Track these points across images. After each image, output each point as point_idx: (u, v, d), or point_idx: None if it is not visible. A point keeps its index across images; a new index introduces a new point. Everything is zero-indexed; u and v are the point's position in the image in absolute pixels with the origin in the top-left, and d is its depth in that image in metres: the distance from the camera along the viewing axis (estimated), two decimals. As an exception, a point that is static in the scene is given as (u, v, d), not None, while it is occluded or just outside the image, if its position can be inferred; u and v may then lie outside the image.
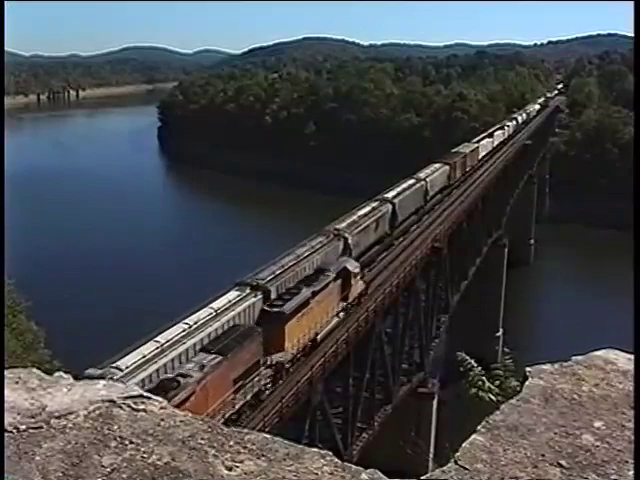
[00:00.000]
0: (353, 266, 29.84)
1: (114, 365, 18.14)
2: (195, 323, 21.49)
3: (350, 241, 32.64)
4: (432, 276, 40.19)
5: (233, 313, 23.32)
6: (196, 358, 19.87)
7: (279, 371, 23.51)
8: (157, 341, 19.93)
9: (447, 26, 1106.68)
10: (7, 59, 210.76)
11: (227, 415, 20.04)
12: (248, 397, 21.56)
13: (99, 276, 64.34)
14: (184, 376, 18.51)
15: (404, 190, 42.78)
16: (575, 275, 75.44)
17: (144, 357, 19.06)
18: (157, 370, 19.09)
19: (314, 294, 25.62)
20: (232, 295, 24.00)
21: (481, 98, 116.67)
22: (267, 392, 22.75)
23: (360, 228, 34.57)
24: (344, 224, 34.00)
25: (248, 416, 21.50)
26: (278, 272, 26.40)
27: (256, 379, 21.99)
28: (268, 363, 22.84)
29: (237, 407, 20.90)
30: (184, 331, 20.87)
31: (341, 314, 28.52)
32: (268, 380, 22.82)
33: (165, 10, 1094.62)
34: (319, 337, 26.45)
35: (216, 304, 22.98)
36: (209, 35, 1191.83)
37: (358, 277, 30.10)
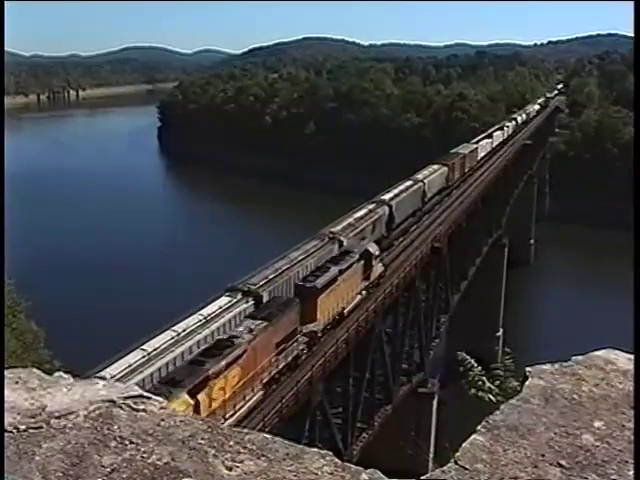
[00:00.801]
0: (374, 249, 32.35)
1: (98, 375, 16.95)
2: (184, 330, 20.94)
3: (345, 244, 32.06)
4: (432, 276, 40.18)
5: (223, 320, 22.72)
6: (245, 323, 22.27)
7: (313, 339, 25.85)
8: (144, 349, 19.44)
9: (447, 26, 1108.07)
10: (7, 59, 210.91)
11: (272, 373, 22.88)
12: (289, 359, 24.06)
13: (99, 276, 64.35)
14: (236, 337, 20.83)
15: (401, 192, 42.26)
16: (575, 275, 75.43)
17: (130, 366, 18.62)
18: (143, 380, 18.18)
19: (341, 272, 27.84)
20: (223, 301, 23.42)
21: (481, 98, 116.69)
22: (303, 357, 25.19)
23: (356, 231, 33.98)
24: (339, 227, 33.46)
25: (288, 377, 24.02)
26: (271, 277, 25.94)
27: (294, 344, 24.34)
28: (304, 331, 25.26)
29: (280, 367, 23.38)
30: (172, 339, 20.35)
31: (363, 292, 30.73)
32: (304, 346, 25.24)
33: (165, 10, 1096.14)
34: (346, 311, 28.82)
35: (206, 310, 22.44)
36: (209, 35, 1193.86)
37: (378, 259, 32.59)
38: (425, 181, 46.01)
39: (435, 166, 50.83)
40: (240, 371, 20.37)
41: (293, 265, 27.77)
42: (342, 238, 32.18)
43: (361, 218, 36.04)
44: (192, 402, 17.76)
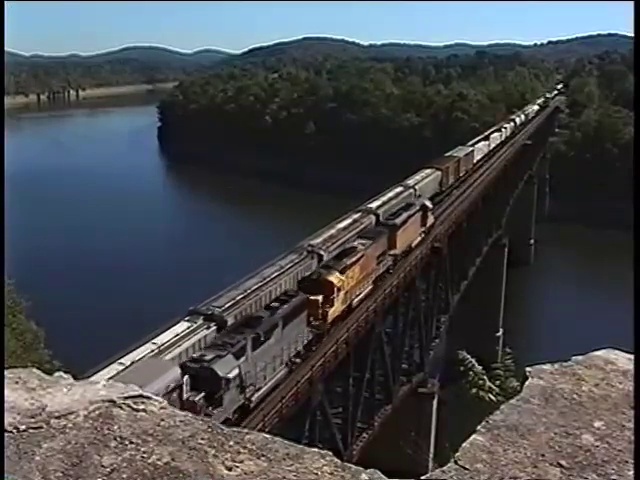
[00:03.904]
0: (429, 203, 41.22)
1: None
2: (132, 363, 18.20)
3: (326, 258, 29.58)
4: (432, 276, 40.19)
5: (179, 350, 20.21)
6: (358, 240, 31.27)
7: (395, 260, 34.91)
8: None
9: (447, 26, 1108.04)
10: (7, 59, 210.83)
11: (375, 275, 32.11)
12: (381, 270, 33.12)
13: (99, 276, 64.34)
14: (356, 247, 30.10)
15: (390, 199, 39.82)
16: (575, 275, 75.43)
17: None
18: None
19: (409, 217, 36.54)
20: (181, 327, 20.90)
21: (481, 98, 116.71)
22: (390, 272, 34.16)
23: (338, 244, 31.42)
24: (320, 239, 31.03)
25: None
26: (238, 298, 23.60)
27: (385, 260, 33.65)
28: (389, 254, 34.14)
29: (380, 271, 32.84)
30: (117, 373, 17.49)
31: (422, 234, 39.21)
32: (390, 263, 34.43)
33: (165, 10, 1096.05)
34: (412, 245, 37.54)
35: (160, 338, 19.88)
36: (209, 35, 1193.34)
37: (431, 212, 40.91)
38: (416, 187, 43.39)
39: (428, 170, 48.04)
40: (360, 268, 29.64)
41: (265, 284, 25.24)
42: (322, 252, 29.76)
43: (344, 229, 33.30)
44: (342, 277, 27.48)
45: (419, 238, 38.68)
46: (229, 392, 19.79)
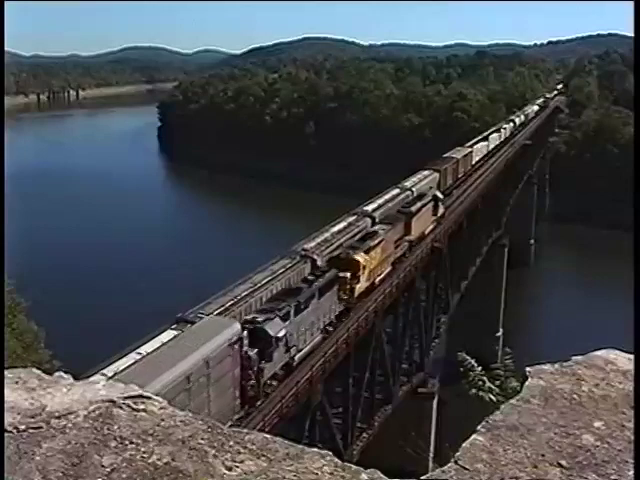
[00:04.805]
0: (440, 194, 43.79)
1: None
2: (115, 374, 16.99)
3: (319, 263, 28.89)
4: (432, 276, 40.20)
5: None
6: (379, 226, 34.14)
7: (410, 245, 37.47)
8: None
9: (447, 26, 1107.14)
10: (7, 59, 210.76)
11: (393, 259, 34.75)
12: (399, 253, 35.84)
13: (99, 276, 64.35)
14: (377, 232, 32.88)
15: (386, 202, 39.25)
16: (575, 275, 75.44)
17: None
18: None
19: (422, 206, 39.09)
20: (168, 336, 20.01)
21: (481, 98, 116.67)
22: (406, 255, 36.87)
23: (332, 247, 30.78)
24: (314, 243, 30.26)
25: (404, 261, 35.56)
26: (228, 304, 23.21)
27: (402, 245, 36.30)
28: (405, 239, 36.69)
29: (398, 254, 35.59)
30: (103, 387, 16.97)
31: (434, 223, 41.73)
32: (407, 247, 37.11)
33: (165, 10, 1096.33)
34: (426, 232, 40.18)
35: (145, 348, 19.01)
36: (209, 35, 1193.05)
37: (441, 202, 43.16)
38: (413, 189, 42.78)
39: (425, 172, 47.44)
40: (381, 250, 32.24)
41: (255, 290, 24.82)
42: (315, 256, 29.03)
43: (339, 232, 32.58)
44: (367, 257, 30.12)
45: (431, 226, 41.49)
46: (278, 350, 22.63)
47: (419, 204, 38.78)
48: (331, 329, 27.73)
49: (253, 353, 21.19)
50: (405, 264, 36.00)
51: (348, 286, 28.67)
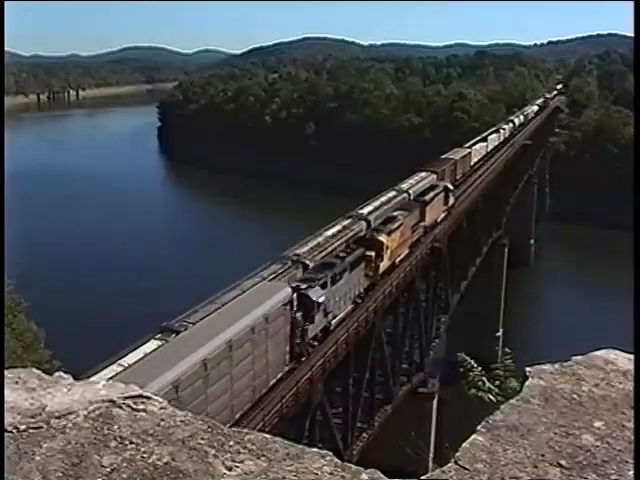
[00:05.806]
0: (451, 185, 46.55)
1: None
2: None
3: (311, 267, 27.94)
4: (432, 276, 40.20)
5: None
6: (398, 212, 36.29)
7: (425, 230, 39.92)
8: None
9: (447, 26, 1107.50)
10: (7, 59, 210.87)
11: (410, 242, 37.15)
12: (415, 238, 38.13)
13: (99, 276, 64.35)
14: (396, 217, 35.29)
15: (382, 204, 38.40)
16: (575, 275, 75.42)
17: None
18: None
19: (435, 195, 41.84)
20: (152, 346, 19.32)
21: (481, 98, 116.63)
22: (421, 240, 39.20)
23: (325, 252, 29.88)
24: (306, 248, 29.38)
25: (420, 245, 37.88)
26: (214, 314, 21.67)
27: (418, 230, 38.57)
28: (420, 225, 39.03)
29: (415, 239, 37.99)
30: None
31: (445, 212, 44.34)
32: (422, 232, 39.39)
33: (165, 10, 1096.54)
34: (438, 220, 42.68)
35: (128, 359, 18.41)
36: (209, 35, 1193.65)
37: (452, 193, 46.03)
38: (410, 191, 42.09)
39: (423, 174, 46.69)
40: (399, 234, 34.60)
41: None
42: (307, 261, 28.19)
43: (332, 236, 31.73)
44: (389, 238, 32.78)
45: (443, 215, 44.14)
46: (319, 313, 25.69)
47: (432, 194, 41.43)
48: (359, 301, 30.59)
49: (299, 315, 24.25)
50: (405, 264, 36.00)
51: (373, 264, 31.41)
